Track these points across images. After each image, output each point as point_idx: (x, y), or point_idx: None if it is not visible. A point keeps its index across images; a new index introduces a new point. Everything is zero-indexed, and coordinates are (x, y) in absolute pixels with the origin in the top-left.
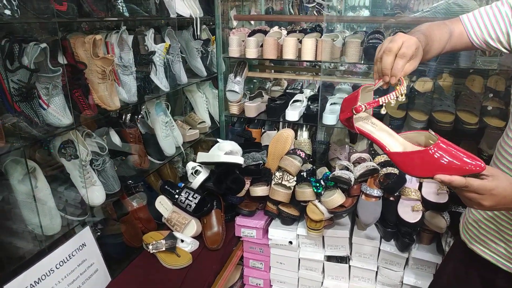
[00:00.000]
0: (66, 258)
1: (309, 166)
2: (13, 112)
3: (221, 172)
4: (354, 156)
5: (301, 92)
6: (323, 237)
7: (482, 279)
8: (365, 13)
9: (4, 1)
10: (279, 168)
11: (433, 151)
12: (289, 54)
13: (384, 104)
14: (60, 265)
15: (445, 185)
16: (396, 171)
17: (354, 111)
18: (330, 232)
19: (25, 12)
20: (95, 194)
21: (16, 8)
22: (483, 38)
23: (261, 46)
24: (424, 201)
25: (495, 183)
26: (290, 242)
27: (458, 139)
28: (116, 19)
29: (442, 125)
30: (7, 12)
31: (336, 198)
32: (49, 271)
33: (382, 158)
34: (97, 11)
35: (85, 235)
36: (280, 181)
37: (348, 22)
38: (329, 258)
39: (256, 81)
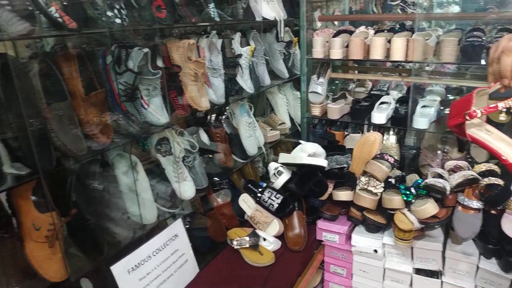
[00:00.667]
0: (161, 246)
1: (397, 172)
2: (120, 111)
3: (303, 174)
4: (450, 164)
5: (388, 93)
6: (412, 248)
7: None
8: (455, 9)
9: (116, 11)
10: (365, 173)
11: None
12: (377, 54)
13: (504, 110)
14: (157, 253)
15: None
16: (500, 182)
17: (467, 117)
18: (420, 244)
19: (131, 21)
20: (186, 189)
21: (124, 17)
22: None
23: (346, 46)
24: None
25: None
26: (375, 251)
27: None
28: (207, 24)
29: None
30: (118, 20)
31: (429, 208)
32: (147, 257)
33: (484, 167)
34: (190, 16)
35: (178, 227)
36: (365, 187)
37: (438, 19)
38: (418, 271)
39: (338, 82)
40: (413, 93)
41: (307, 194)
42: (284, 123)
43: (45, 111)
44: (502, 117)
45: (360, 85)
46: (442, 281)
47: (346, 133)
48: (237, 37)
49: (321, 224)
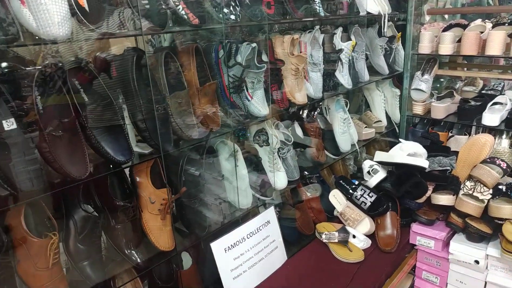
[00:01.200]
0: (255, 230)
1: (509, 179)
2: (228, 102)
3: (401, 174)
4: None
5: (503, 94)
6: None
7: None
8: None
9: (231, 8)
10: (471, 177)
11: None
12: (494, 49)
13: None
14: (250, 236)
15: None
16: None
17: None
18: None
19: (243, 16)
20: (280, 179)
21: (238, 14)
22: None
23: (458, 41)
24: None
25: None
26: (477, 262)
27: None
28: (313, 19)
29: None
30: (232, 17)
31: None
32: (242, 238)
33: None
34: (296, 12)
35: (270, 214)
36: (471, 192)
37: None
38: None
39: (443, 80)
40: None
41: (403, 195)
42: (380, 121)
43: (167, 98)
44: None
45: (469, 84)
46: None
47: (450, 134)
48: (338, 32)
49: (416, 227)
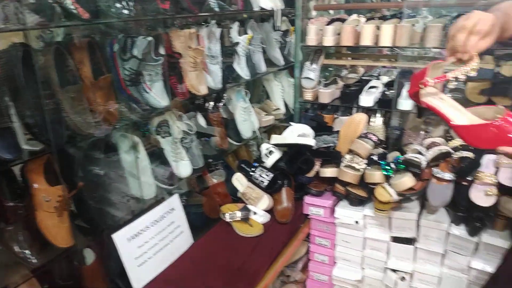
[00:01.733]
0: (159, 218)
1: (380, 150)
2: (125, 95)
3: (293, 153)
4: (428, 141)
5: (378, 78)
6: (389, 218)
7: None
8: None
9: (123, 3)
10: (350, 151)
11: (497, 123)
12: (366, 40)
13: (452, 80)
14: (154, 224)
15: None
16: (471, 155)
17: (421, 85)
18: (398, 214)
19: (137, 11)
20: (183, 168)
21: (131, 8)
22: None
23: (339, 34)
24: (500, 187)
25: None
26: (356, 222)
27: None
28: (207, 14)
29: None
30: (125, 11)
31: (406, 180)
32: (145, 227)
33: (457, 142)
34: (192, 7)
35: (174, 201)
36: (350, 163)
37: (432, 7)
38: (395, 239)
39: (332, 69)
40: (401, 77)
41: (296, 172)
42: (278, 109)
43: (58, 93)
44: (451, 85)
45: (352, 71)
46: (416, 247)
47: (335, 116)
48: (235, 26)
49: (308, 199)
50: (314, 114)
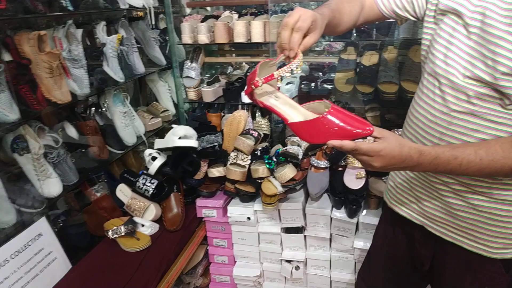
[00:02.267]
0: (21, 248)
1: (264, 144)
2: None
3: (176, 156)
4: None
5: None
6: (279, 210)
7: (406, 235)
8: None
9: None
10: (235, 149)
11: (325, 118)
12: (240, 37)
13: (279, 78)
14: (16, 255)
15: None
16: None
17: (252, 86)
18: (285, 205)
19: None
20: (52, 187)
21: None
22: (390, 7)
23: (214, 31)
24: None
25: (384, 145)
26: (248, 218)
27: (403, 107)
28: (59, 13)
29: (387, 95)
30: None
31: (287, 172)
32: (4, 261)
33: None
34: (39, 7)
35: (41, 226)
36: (235, 161)
37: (298, 2)
38: (287, 230)
39: (218, 67)
40: None
41: (183, 176)
42: (167, 110)
43: None
44: (279, 84)
45: (237, 68)
46: (305, 235)
47: (223, 114)
48: (101, 26)
49: (199, 202)
50: (202, 113)
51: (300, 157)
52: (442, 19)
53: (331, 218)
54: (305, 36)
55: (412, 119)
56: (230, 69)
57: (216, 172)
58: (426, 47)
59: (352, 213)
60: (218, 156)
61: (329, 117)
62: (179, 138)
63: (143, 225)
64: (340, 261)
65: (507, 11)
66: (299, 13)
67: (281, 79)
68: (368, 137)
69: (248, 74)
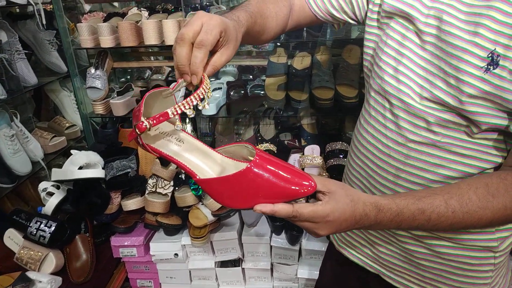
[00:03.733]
0: None
1: None
2: None
3: (77, 190)
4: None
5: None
6: (211, 242)
7: (358, 279)
8: None
9: None
10: (153, 175)
11: (249, 172)
12: (151, 39)
13: (176, 118)
14: None
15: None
16: None
17: (136, 130)
18: (218, 236)
19: None
20: None
21: None
22: (325, 9)
23: None
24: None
25: (331, 206)
26: (176, 255)
27: (340, 114)
28: None
29: (323, 102)
30: None
31: None
32: None
33: (262, 147)
34: None
35: None
36: (154, 189)
37: None
38: (223, 264)
39: (135, 71)
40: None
41: (90, 212)
42: (74, 125)
43: None
44: (178, 127)
45: (156, 72)
46: (242, 268)
47: None
48: None
49: (115, 240)
50: (114, 130)
51: None
52: (388, 23)
53: (271, 246)
54: (214, 52)
55: (360, 148)
56: (148, 73)
57: (132, 204)
58: (370, 57)
59: (293, 240)
60: (134, 184)
61: (256, 170)
62: (80, 167)
63: (40, 282)
64: None
65: (469, 15)
66: (201, 21)
67: (181, 120)
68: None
69: (170, 77)
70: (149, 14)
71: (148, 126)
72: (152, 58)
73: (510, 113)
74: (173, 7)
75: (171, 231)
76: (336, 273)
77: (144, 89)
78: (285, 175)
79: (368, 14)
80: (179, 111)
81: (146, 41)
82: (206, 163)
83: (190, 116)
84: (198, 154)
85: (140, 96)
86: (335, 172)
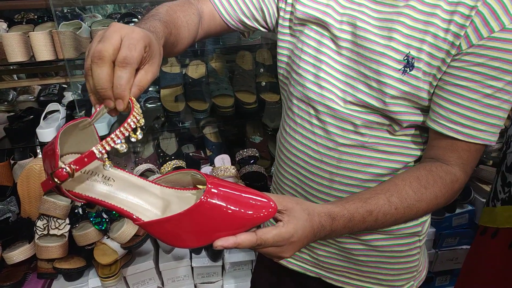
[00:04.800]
0: None
1: None
2: None
3: None
4: (140, 169)
5: (60, 98)
6: (124, 278)
7: (296, 284)
8: None
9: None
10: (42, 215)
11: (206, 204)
12: (16, 55)
13: (105, 157)
14: None
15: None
16: None
17: (56, 179)
18: (132, 269)
19: None
20: None
21: None
22: (237, 17)
23: None
24: None
25: (293, 226)
26: None
27: (242, 121)
28: None
29: (224, 110)
30: None
31: (127, 229)
32: None
33: (169, 165)
34: None
35: None
36: (46, 232)
37: (88, 4)
38: None
39: None
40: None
41: None
42: None
43: None
44: (107, 167)
45: (23, 92)
46: None
47: (13, 161)
48: None
49: None
50: None
51: None
52: (302, 30)
53: (192, 267)
54: (136, 70)
55: (289, 156)
56: (12, 94)
57: (19, 255)
58: (285, 64)
59: (216, 256)
60: (17, 231)
61: (212, 201)
62: None
63: None
64: None
65: (381, 21)
66: (119, 34)
67: (109, 163)
68: None
69: (40, 97)
70: (8, 26)
71: (70, 173)
72: (15, 76)
73: (425, 109)
74: (36, 16)
75: (73, 275)
76: (271, 282)
77: (12, 114)
78: (244, 200)
79: (280, 21)
80: (108, 148)
81: (10, 58)
82: (146, 199)
83: (122, 152)
84: (133, 190)
85: (8, 123)
86: (250, 180)
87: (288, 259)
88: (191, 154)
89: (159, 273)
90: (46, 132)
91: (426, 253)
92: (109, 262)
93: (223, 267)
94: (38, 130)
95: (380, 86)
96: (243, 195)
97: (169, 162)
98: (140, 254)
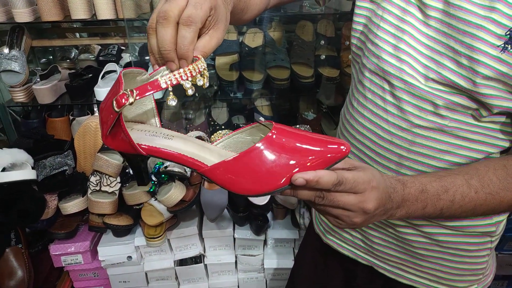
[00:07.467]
0: None
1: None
2: None
3: (4, 196)
4: (191, 135)
5: (118, 59)
6: (168, 240)
7: (344, 270)
8: None
9: None
10: (95, 171)
11: (272, 140)
12: (79, 12)
13: (170, 89)
14: None
15: (305, 198)
16: None
17: (115, 106)
18: (176, 233)
19: None
20: None
21: None
22: None
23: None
24: None
25: (370, 172)
26: (129, 258)
27: (296, 95)
28: None
29: (279, 82)
30: None
31: (174, 193)
32: None
33: (220, 134)
34: None
35: None
36: (98, 188)
37: None
38: (182, 262)
39: (57, 51)
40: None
41: (23, 220)
42: None
43: None
44: (172, 101)
45: (84, 51)
46: (205, 264)
47: (72, 118)
48: None
49: (54, 248)
50: (40, 120)
51: (188, 174)
52: None
53: (235, 238)
54: (200, 35)
55: (355, 135)
56: (74, 52)
57: (73, 207)
58: (360, 33)
59: (258, 230)
60: (72, 184)
61: (281, 136)
62: (3, 169)
63: None
64: (249, 282)
65: None
66: None
67: (174, 97)
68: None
69: (100, 57)
70: None
71: (132, 99)
72: (77, 35)
73: None
74: None
75: (121, 232)
76: (317, 262)
77: (73, 71)
78: (313, 137)
79: None
80: (174, 82)
81: (73, 15)
82: (207, 153)
83: (189, 94)
84: (194, 146)
85: (69, 79)
86: None
87: (339, 242)
88: (241, 125)
89: (201, 240)
90: (103, 91)
91: (495, 256)
92: (155, 223)
93: (265, 242)
94: (96, 89)
95: (472, 64)
96: (310, 136)
97: (220, 131)
98: (185, 219)
